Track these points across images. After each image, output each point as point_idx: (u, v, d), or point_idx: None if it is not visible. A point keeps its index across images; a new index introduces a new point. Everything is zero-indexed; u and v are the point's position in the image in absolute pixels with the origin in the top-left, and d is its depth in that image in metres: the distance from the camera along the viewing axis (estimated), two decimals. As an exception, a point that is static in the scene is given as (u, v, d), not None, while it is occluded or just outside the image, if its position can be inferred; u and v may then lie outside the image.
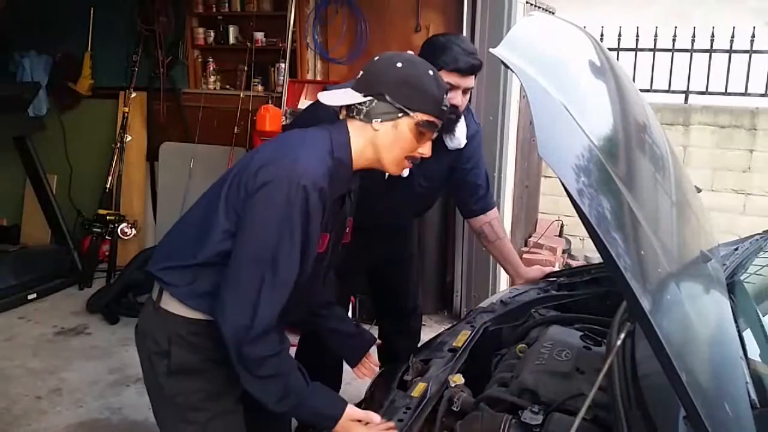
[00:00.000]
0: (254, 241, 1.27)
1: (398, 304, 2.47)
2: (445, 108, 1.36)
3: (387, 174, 1.95)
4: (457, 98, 1.89)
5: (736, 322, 1.38)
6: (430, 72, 1.36)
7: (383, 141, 1.35)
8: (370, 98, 1.33)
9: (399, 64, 1.33)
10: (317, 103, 2.09)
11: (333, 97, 1.38)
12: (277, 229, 1.25)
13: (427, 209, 2.40)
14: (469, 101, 2.09)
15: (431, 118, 1.35)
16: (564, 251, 4.71)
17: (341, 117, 1.40)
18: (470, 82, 1.91)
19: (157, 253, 1.46)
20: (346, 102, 1.36)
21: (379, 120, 1.34)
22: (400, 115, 1.33)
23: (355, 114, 1.36)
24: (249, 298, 1.25)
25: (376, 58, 1.38)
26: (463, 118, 2.04)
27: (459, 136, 2.03)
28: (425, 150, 1.40)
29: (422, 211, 2.40)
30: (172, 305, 1.37)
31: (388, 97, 1.32)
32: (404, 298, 2.48)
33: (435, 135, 1.40)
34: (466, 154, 2.10)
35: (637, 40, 4.76)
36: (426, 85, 1.34)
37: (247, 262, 1.26)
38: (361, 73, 1.38)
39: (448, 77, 1.86)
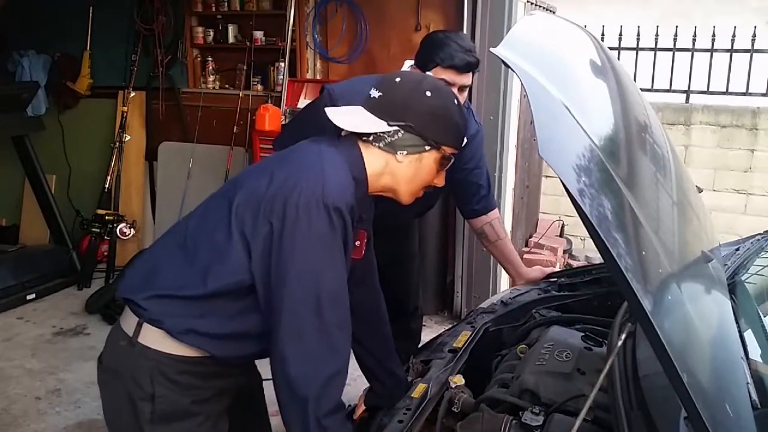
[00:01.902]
0: (304, 280, 1.14)
1: (398, 305, 2.46)
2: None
3: None
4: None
5: (737, 322, 1.37)
6: (455, 101, 1.30)
7: (405, 173, 1.28)
8: (395, 128, 1.24)
9: (428, 93, 1.24)
10: (317, 102, 2.08)
11: (347, 120, 1.26)
12: (325, 261, 1.15)
13: (427, 209, 2.40)
14: (470, 101, 2.09)
15: (455, 151, 1.31)
16: (565, 251, 4.71)
17: (343, 134, 1.29)
18: (467, 79, 1.90)
19: (134, 276, 1.29)
20: (368, 130, 1.24)
21: (405, 152, 1.25)
22: (427, 148, 1.26)
23: (373, 141, 1.26)
24: (319, 346, 1.14)
25: (398, 80, 1.27)
26: None
27: None
28: (440, 180, 1.34)
29: (423, 211, 2.40)
30: (155, 341, 1.22)
31: (416, 129, 1.24)
32: (405, 298, 2.47)
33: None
34: (467, 154, 2.09)
35: (638, 39, 4.75)
36: (454, 118, 1.28)
37: (302, 306, 1.14)
38: (379, 94, 1.26)
39: (444, 74, 1.86)
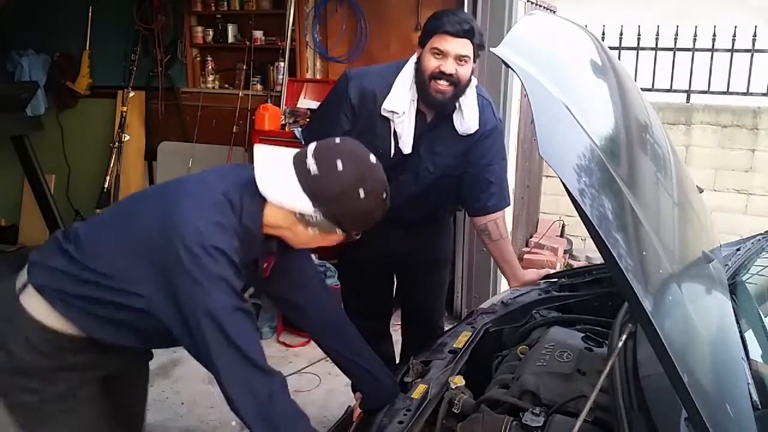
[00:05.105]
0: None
1: (422, 323, 2.38)
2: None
3: (393, 152, 1.99)
4: (447, 65, 1.85)
5: (737, 322, 1.37)
6: (385, 204, 1.34)
7: (307, 238, 1.35)
8: (318, 213, 1.28)
9: (362, 195, 1.27)
10: (336, 84, 2.08)
11: (274, 191, 1.29)
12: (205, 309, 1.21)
13: (434, 209, 2.30)
14: (483, 97, 2.05)
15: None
16: (565, 251, 4.70)
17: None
18: (462, 48, 1.85)
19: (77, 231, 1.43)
20: (292, 209, 1.29)
21: (316, 229, 1.32)
22: (338, 231, 1.32)
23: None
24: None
25: (340, 168, 1.26)
26: (474, 101, 1.99)
27: (468, 120, 1.98)
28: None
29: (428, 209, 2.29)
30: (35, 305, 1.39)
31: (337, 219, 1.29)
32: (428, 313, 2.40)
33: None
34: (481, 149, 2.05)
35: (638, 38, 4.75)
36: (375, 217, 1.33)
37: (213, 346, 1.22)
38: (317, 173, 1.25)
39: (437, 42, 1.86)
